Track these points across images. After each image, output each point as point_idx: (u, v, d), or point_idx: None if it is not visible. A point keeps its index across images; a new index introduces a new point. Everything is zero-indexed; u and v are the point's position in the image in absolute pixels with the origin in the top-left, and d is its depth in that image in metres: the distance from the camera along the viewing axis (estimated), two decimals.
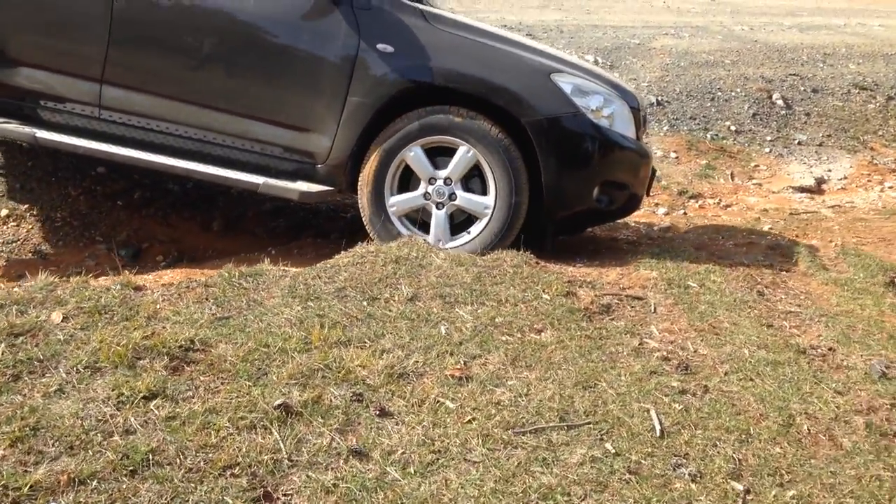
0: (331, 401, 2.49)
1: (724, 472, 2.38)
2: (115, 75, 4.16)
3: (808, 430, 2.64)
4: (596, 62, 10.63)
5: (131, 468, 2.07)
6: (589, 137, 3.98)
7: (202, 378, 2.52)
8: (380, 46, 3.96)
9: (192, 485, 2.07)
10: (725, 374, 2.96)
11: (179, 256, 5.04)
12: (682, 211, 7.11)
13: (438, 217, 4.02)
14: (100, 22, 4.11)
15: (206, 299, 3.03)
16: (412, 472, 2.25)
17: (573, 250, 4.40)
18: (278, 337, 2.80)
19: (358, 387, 2.60)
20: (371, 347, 2.83)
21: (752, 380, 2.92)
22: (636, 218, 6.60)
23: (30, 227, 5.13)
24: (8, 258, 4.85)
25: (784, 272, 4.17)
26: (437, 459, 2.31)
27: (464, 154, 3.95)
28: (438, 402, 2.58)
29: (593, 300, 3.45)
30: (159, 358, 2.56)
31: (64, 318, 2.76)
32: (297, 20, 4.04)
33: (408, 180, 4.09)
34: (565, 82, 4.00)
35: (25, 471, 2.01)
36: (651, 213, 6.95)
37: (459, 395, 2.62)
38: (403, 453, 2.32)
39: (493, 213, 3.96)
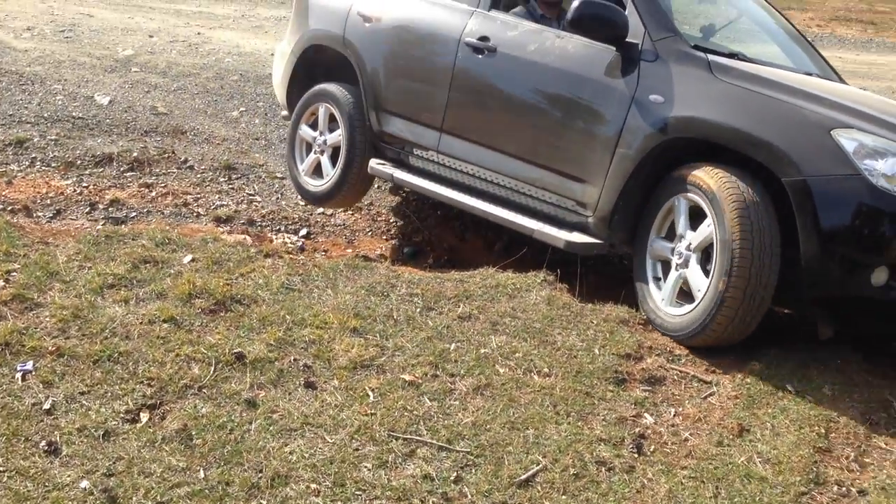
0: (280, 363, 3.02)
1: None
2: (449, 124, 4.77)
3: None
4: None
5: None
6: (867, 206, 3.31)
7: (217, 319, 3.25)
8: (652, 97, 3.87)
9: None
10: (681, 467, 2.71)
11: (447, 262, 5.77)
12: None
13: (668, 281, 3.77)
14: (446, 78, 4.77)
15: (300, 273, 3.73)
16: (270, 428, 2.68)
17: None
18: (309, 311, 3.38)
19: (317, 362, 3.07)
20: (370, 341, 3.25)
21: (694, 479, 2.64)
22: None
23: (359, 217, 6.34)
24: (328, 235, 6.11)
25: None
26: (305, 425, 2.72)
27: (705, 227, 3.60)
28: (365, 392, 2.93)
29: (647, 368, 3.32)
30: (205, 299, 3.36)
31: (192, 259, 3.71)
32: (590, 73, 4.13)
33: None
34: (849, 139, 3.40)
35: None
36: None
37: (390, 395, 2.92)
38: (281, 415, 2.76)
39: (700, 300, 3.54)
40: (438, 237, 6.16)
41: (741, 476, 2.69)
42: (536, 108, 4.39)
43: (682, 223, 3.73)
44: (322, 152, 5.62)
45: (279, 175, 6.66)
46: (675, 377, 3.32)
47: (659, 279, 3.84)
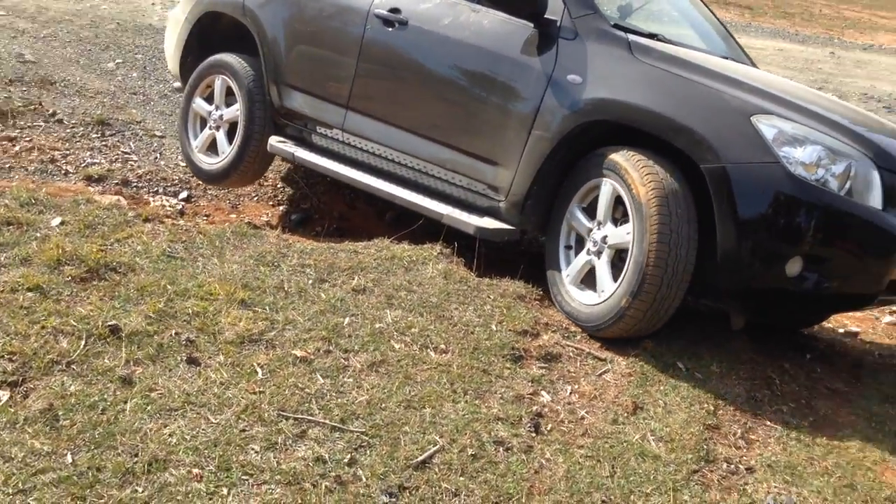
0: (160, 337, 2.81)
1: None
2: (356, 101, 4.55)
3: None
4: None
5: None
6: (784, 195, 3.22)
7: (89, 288, 2.99)
8: (570, 77, 3.73)
9: None
10: (578, 446, 2.68)
11: (336, 230, 5.59)
12: None
13: (579, 259, 3.68)
14: (353, 51, 4.52)
15: (183, 240, 3.49)
16: (147, 408, 2.48)
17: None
18: (193, 281, 3.16)
19: (201, 336, 2.87)
20: (259, 314, 3.07)
21: (591, 458, 2.61)
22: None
23: None
24: (211, 199, 5.81)
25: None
26: (186, 404, 2.53)
27: (624, 233, 3.47)
28: (253, 368, 2.75)
29: (543, 345, 3.27)
30: (76, 266, 3.09)
31: (61, 222, 3.42)
32: (506, 50, 3.96)
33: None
34: (769, 125, 3.31)
35: None
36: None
37: (280, 372, 2.75)
38: (160, 393, 2.56)
39: (603, 301, 3.48)
40: (328, 204, 5.97)
41: (636, 454, 2.68)
42: (448, 85, 4.20)
43: (603, 210, 3.60)
44: (218, 128, 5.30)
45: (158, 133, 6.30)
46: (571, 354, 3.29)
47: (570, 248, 3.76)
